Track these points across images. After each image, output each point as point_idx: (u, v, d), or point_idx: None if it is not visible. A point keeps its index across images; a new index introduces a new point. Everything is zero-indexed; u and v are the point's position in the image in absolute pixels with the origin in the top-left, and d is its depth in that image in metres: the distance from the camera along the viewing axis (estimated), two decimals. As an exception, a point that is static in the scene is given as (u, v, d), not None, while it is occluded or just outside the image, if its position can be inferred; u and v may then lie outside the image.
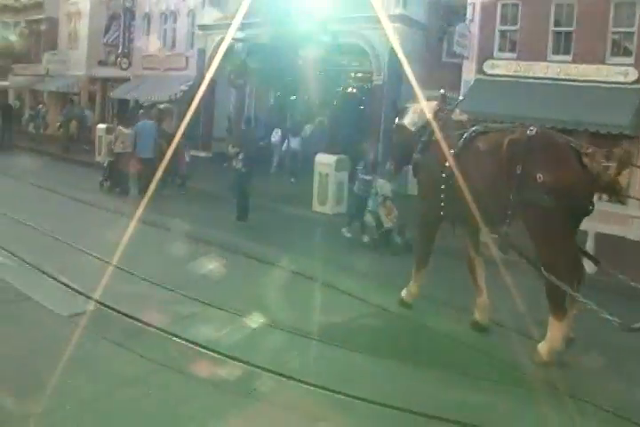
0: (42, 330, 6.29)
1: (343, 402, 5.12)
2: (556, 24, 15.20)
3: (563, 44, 15.13)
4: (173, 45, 26.11)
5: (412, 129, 7.78)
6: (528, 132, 6.20)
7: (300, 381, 5.40)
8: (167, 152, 12.66)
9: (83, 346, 5.75)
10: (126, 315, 6.69)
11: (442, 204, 7.12)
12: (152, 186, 11.16)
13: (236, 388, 5.28)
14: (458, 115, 7.64)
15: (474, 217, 6.53)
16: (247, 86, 19.06)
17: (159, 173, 11.76)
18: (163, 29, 26.75)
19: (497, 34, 16.23)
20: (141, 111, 17.07)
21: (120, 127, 15.75)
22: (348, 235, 11.75)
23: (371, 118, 17.64)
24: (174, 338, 6.18)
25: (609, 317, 5.74)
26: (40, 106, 30.30)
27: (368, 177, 11.53)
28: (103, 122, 24.81)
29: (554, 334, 6.10)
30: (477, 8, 16.31)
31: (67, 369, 5.16)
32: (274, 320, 6.79)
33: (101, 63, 30.03)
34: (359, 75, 17.60)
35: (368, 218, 11.46)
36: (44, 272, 8.02)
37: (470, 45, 16.09)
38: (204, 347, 5.97)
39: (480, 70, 16.22)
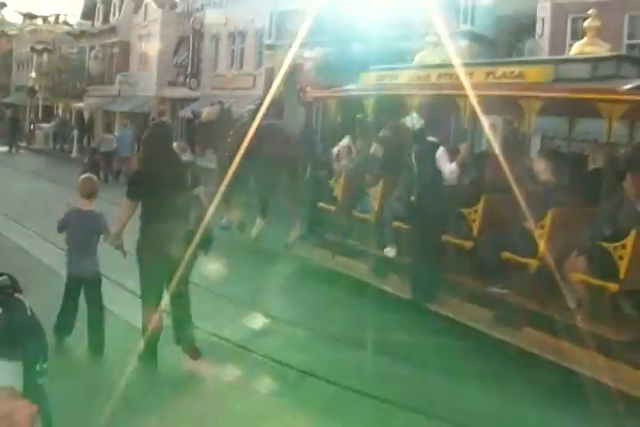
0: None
1: None
2: (630, 37, 14.75)
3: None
4: (241, 65, 26.63)
5: None
6: None
7: None
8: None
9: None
10: (330, 382, 6.00)
11: None
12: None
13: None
14: None
15: None
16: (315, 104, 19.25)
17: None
18: (231, 50, 27.34)
19: (567, 49, 15.89)
20: None
21: None
22: None
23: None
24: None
25: None
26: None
27: None
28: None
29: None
30: (547, 23, 15.93)
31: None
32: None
33: (171, 84, 30.81)
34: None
35: None
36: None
37: (540, 61, 15.78)
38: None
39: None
